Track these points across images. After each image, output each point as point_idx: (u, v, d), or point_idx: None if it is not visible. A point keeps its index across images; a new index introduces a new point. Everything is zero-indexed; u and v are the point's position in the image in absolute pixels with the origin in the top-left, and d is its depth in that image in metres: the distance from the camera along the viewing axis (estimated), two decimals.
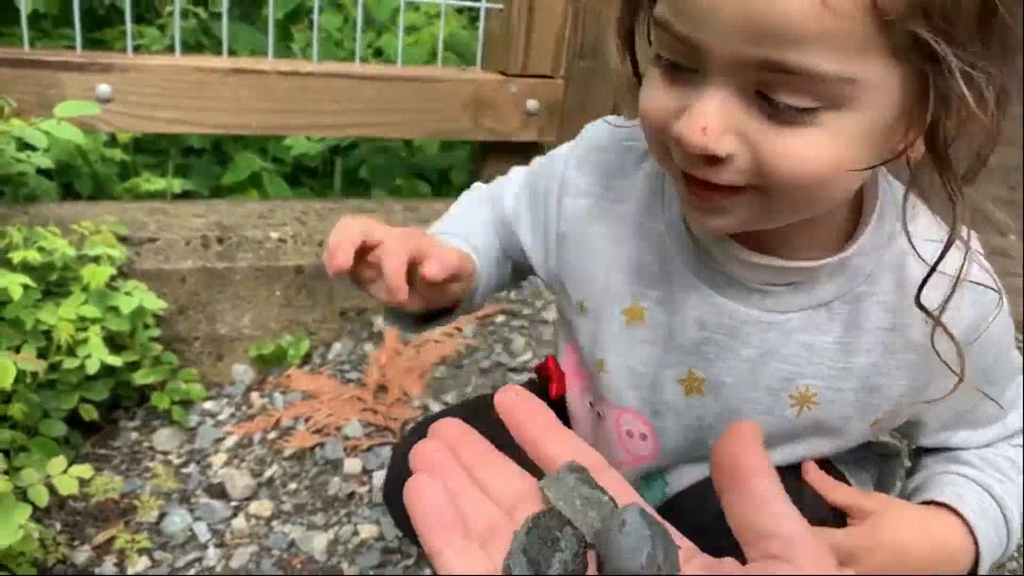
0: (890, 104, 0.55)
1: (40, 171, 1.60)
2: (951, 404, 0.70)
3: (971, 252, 0.62)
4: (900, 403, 0.71)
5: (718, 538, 0.42)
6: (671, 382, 0.73)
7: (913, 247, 0.64)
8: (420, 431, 0.89)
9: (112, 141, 1.94)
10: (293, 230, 1.55)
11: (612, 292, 0.75)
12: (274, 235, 1.53)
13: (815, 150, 0.54)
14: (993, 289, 0.66)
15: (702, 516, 0.48)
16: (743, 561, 0.40)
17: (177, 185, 1.91)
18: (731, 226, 0.62)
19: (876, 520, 0.71)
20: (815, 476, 0.74)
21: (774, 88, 0.53)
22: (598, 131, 0.79)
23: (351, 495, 1.29)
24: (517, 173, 0.87)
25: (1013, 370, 0.76)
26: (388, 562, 1.20)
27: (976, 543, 0.72)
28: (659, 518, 0.43)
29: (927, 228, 0.66)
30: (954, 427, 0.77)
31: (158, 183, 1.90)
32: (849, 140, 0.55)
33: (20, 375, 1.14)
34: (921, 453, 0.81)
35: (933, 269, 0.62)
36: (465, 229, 0.84)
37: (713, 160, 0.56)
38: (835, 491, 0.73)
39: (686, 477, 0.79)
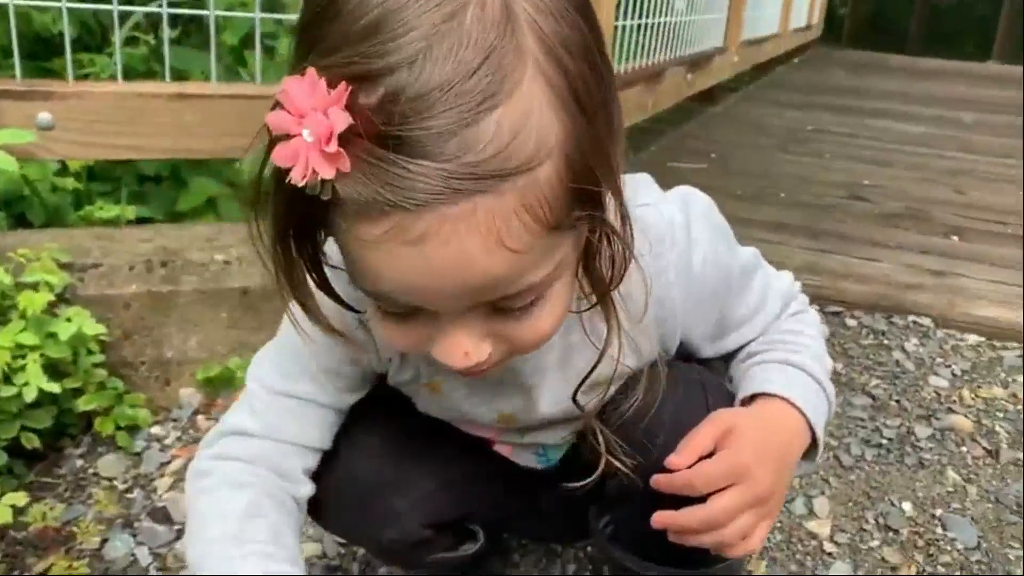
0: (576, 257, 0.65)
1: None
2: (697, 329, 0.82)
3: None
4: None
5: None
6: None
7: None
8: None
9: (64, 170, 1.93)
10: (239, 252, 1.55)
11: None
12: (219, 257, 1.53)
13: (547, 319, 0.64)
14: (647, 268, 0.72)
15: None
16: None
17: (132, 212, 1.91)
18: (495, 373, 0.71)
19: (733, 437, 0.75)
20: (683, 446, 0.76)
21: (505, 304, 0.61)
22: None
23: None
24: None
25: (744, 269, 0.84)
26: None
27: (801, 410, 0.79)
28: None
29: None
30: (721, 336, 0.85)
31: (112, 210, 1.90)
32: (563, 298, 0.65)
33: None
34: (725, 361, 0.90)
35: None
36: None
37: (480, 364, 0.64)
38: (695, 438, 0.76)
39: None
